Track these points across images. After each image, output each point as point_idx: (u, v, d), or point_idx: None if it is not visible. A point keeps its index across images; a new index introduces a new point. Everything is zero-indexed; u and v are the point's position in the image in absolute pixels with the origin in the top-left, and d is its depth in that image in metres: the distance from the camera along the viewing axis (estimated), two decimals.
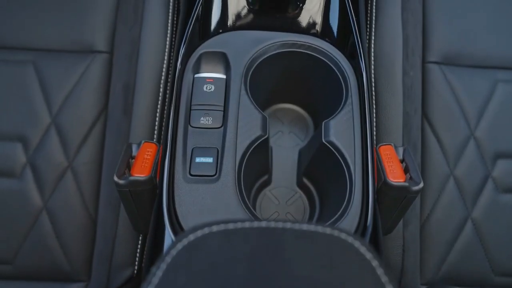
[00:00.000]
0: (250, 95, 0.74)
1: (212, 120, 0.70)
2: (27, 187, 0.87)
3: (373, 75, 0.87)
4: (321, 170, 0.74)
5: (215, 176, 0.65)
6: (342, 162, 0.68)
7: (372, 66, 0.87)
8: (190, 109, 0.71)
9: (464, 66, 0.94)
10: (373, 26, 0.90)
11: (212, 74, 0.75)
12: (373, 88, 0.87)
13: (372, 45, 0.88)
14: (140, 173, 0.66)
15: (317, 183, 0.77)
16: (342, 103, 0.74)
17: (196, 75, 0.74)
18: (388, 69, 0.87)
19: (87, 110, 0.90)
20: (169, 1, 0.90)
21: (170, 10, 0.89)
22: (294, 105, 0.88)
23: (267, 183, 0.80)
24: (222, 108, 0.71)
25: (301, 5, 0.80)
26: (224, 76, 0.74)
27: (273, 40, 0.78)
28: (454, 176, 0.90)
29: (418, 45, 0.91)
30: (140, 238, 0.86)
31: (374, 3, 0.91)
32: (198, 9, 0.79)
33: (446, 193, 0.90)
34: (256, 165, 0.74)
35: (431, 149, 0.90)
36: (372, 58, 0.88)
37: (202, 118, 0.70)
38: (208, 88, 0.73)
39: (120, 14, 0.92)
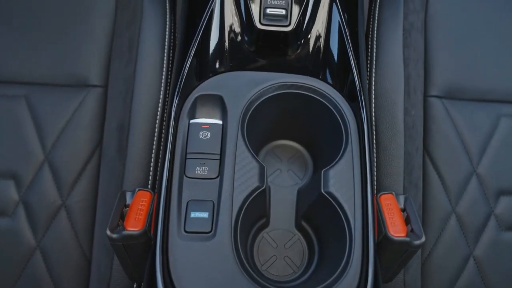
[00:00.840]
0: (247, 139, 0.72)
1: (208, 170, 0.68)
2: (19, 226, 0.85)
3: (373, 115, 0.85)
4: (320, 219, 0.72)
5: (210, 233, 0.63)
6: (342, 215, 0.66)
7: (373, 105, 0.85)
8: (186, 158, 0.69)
9: (467, 100, 0.92)
10: (374, 64, 0.88)
11: (208, 119, 0.73)
12: (374, 128, 0.85)
13: (373, 84, 0.86)
14: (133, 226, 0.64)
15: (316, 229, 0.75)
16: (342, 149, 0.72)
17: (192, 121, 0.72)
18: (389, 108, 0.85)
19: (81, 146, 0.88)
20: (165, 38, 0.88)
21: (166, 47, 0.87)
22: (293, 141, 0.86)
23: (265, 225, 0.78)
24: (218, 157, 0.69)
25: (299, 47, 0.78)
26: (220, 122, 0.72)
27: (270, 82, 0.76)
28: (456, 213, 0.89)
29: (420, 82, 0.90)
30: (135, 286, 0.84)
31: (374, 41, 0.89)
32: (194, 47, 0.77)
33: (447, 231, 0.88)
34: (253, 213, 0.72)
35: (433, 186, 0.88)
36: (373, 97, 0.86)
37: (197, 168, 0.68)
38: (204, 135, 0.71)
39: (115, 48, 0.90)
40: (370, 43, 0.90)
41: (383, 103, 0.86)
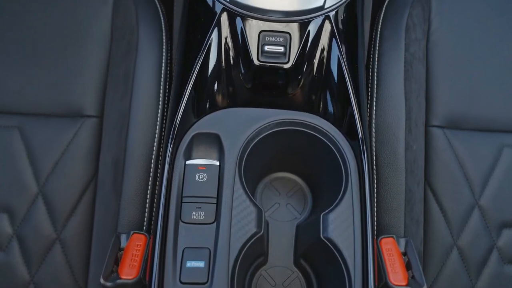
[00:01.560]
0: (244, 177, 0.70)
1: (204, 215, 0.66)
2: (13, 261, 0.84)
3: (374, 149, 0.83)
4: (319, 261, 0.71)
5: (207, 284, 0.62)
6: (342, 262, 0.65)
7: (373, 140, 0.84)
8: (181, 201, 0.67)
9: (469, 130, 0.90)
10: (375, 97, 0.86)
11: (204, 160, 0.71)
12: (374, 163, 0.83)
13: (374, 117, 0.85)
14: (128, 274, 0.63)
15: (315, 269, 0.74)
16: (342, 190, 0.71)
17: (188, 162, 0.71)
18: (390, 144, 0.84)
19: (76, 179, 0.86)
20: (161, 70, 0.86)
21: (162, 80, 0.85)
22: (292, 174, 0.84)
23: (263, 263, 0.77)
24: (215, 201, 0.67)
25: (298, 83, 0.76)
26: (217, 163, 0.71)
27: (268, 120, 0.74)
28: (458, 247, 0.87)
29: (421, 114, 0.88)
30: None
31: (375, 73, 0.87)
32: (191, 83, 0.75)
33: (449, 264, 0.87)
34: (251, 256, 0.70)
35: (434, 218, 0.87)
36: (374, 131, 0.84)
37: (193, 213, 0.67)
38: (200, 177, 0.69)
39: (111, 79, 0.88)
40: (370, 74, 0.88)
41: (383, 138, 0.84)
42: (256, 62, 0.73)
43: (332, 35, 0.73)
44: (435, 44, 0.92)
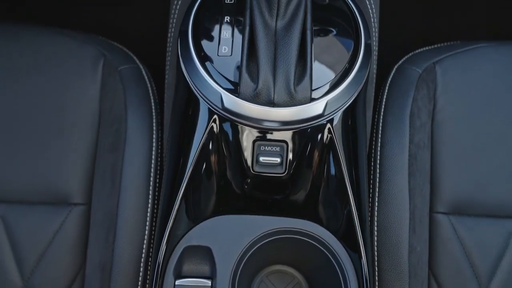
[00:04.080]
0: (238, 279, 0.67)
1: None
2: None
3: (376, 251, 0.79)
4: None
5: None
6: None
7: (375, 239, 0.79)
8: None
9: (475, 216, 0.86)
10: (376, 195, 0.81)
11: (195, 280, 0.67)
12: (376, 264, 0.79)
13: (375, 216, 0.80)
14: None
15: None
16: None
17: (178, 282, 0.67)
18: (392, 245, 0.79)
19: (63, 271, 0.82)
20: (151, 165, 0.81)
21: (152, 176, 0.81)
22: (289, 267, 0.80)
23: None
24: None
25: (294, 190, 0.72)
26: (209, 283, 0.67)
27: (263, 230, 0.70)
28: None
29: (425, 206, 0.83)
30: None
31: (377, 167, 0.82)
32: (182, 190, 0.71)
33: None
34: None
35: None
36: (375, 229, 0.80)
37: None
38: None
39: (98, 169, 0.83)
40: (373, 166, 0.83)
41: (386, 239, 0.80)
42: (250, 172, 0.68)
43: (331, 140, 0.69)
44: (440, 124, 0.88)
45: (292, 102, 0.64)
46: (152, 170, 0.81)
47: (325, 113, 0.66)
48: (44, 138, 0.85)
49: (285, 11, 0.68)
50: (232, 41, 0.68)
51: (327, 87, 0.67)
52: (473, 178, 0.86)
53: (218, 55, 0.67)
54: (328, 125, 0.68)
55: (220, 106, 0.66)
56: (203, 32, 0.69)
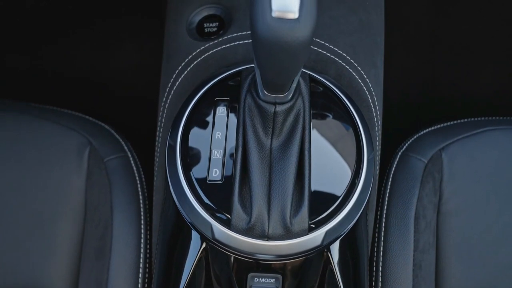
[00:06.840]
0: None
1: None
2: None
3: None
4: None
5: None
6: None
7: None
8: None
9: None
10: None
11: None
12: None
13: None
14: None
15: None
16: None
17: None
18: None
19: None
20: (138, 277, 0.76)
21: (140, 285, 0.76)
22: None
23: None
24: None
25: None
26: None
27: None
28: None
29: None
30: None
31: (380, 276, 0.78)
32: None
33: None
34: None
35: None
36: None
37: None
38: None
39: (82, 281, 0.78)
40: (374, 275, 0.78)
41: None
42: None
43: (330, 271, 0.64)
44: (446, 217, 0.82)
45: (288, 235, 0.59)
46: (140, 281, 0.76)
47: (324, 243, 0.61)
48: (25, 236, 0.80)
49: (281, 129, 0.62)
50: (223, 162, 0.63)
51: (325, 214, 0.62)
52: (480, 277, 0.82)
53: (208, 180, 0.62)
54: (327, 253, 0.63)
55: (211, 236, 0.61)
56: (192, 151, 0.64)
